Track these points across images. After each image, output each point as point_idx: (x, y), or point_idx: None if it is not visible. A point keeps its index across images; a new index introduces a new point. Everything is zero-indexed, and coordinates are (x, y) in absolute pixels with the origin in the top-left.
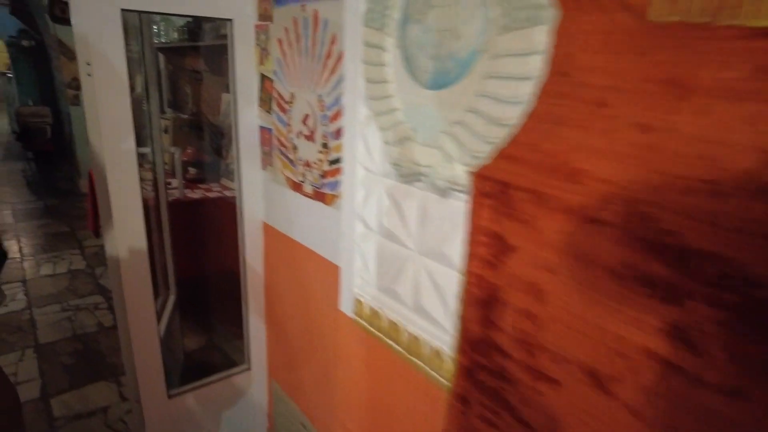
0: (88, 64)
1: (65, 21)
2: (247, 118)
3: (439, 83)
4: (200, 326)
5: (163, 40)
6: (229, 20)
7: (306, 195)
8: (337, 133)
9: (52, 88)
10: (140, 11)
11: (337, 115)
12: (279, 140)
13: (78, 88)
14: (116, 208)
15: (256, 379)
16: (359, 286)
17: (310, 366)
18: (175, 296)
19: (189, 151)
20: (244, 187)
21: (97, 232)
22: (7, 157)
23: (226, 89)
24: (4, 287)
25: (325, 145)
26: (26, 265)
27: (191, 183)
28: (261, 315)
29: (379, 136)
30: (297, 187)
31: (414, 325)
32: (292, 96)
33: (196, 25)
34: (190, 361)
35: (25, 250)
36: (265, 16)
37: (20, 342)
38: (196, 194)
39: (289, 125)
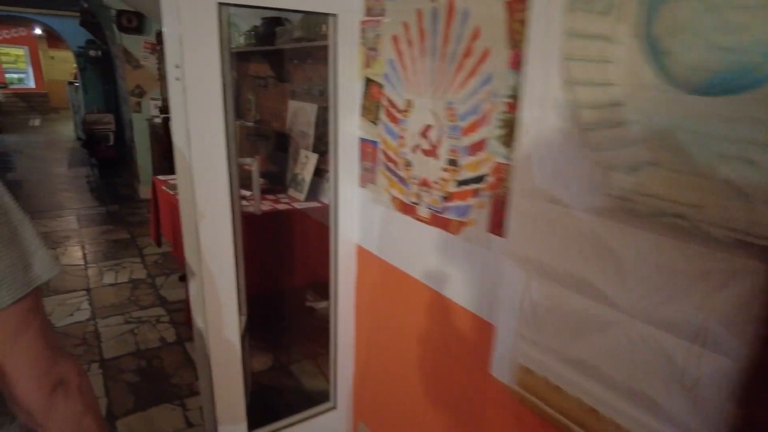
0: (177, 67)
1: (132, 30)
2: (347, 129)
3: (724, 86)
4: (266, 345)
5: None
6: (333, 15)
7: (420, 219)
8: (474, 148)
9: (116, 96)
10: (238, 4)
11: (473, 127)
12: (386, 155)
13: (141, 95)
14: (202, 218)
15: (341, 418)
16: (523, 349)
17: (421, 418)
18: (246, 317)
19: (258, 161)
20: (340, 206)
21: (159, 242)
22: (73, 163)
23: (293, 96)
24: (69, 295)
25: (452, 162)
26: (90, 272)
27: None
28: (350, 349)
29: (590, 157)
30: (407, 209)
31: (623, 414)
32: (409, 104)
33: (265, 30)
34: (255, 384)
35: (89, 257)
36: (374, 11)
37: (86, 355)
38: (264, 206)
39: (401, 138)
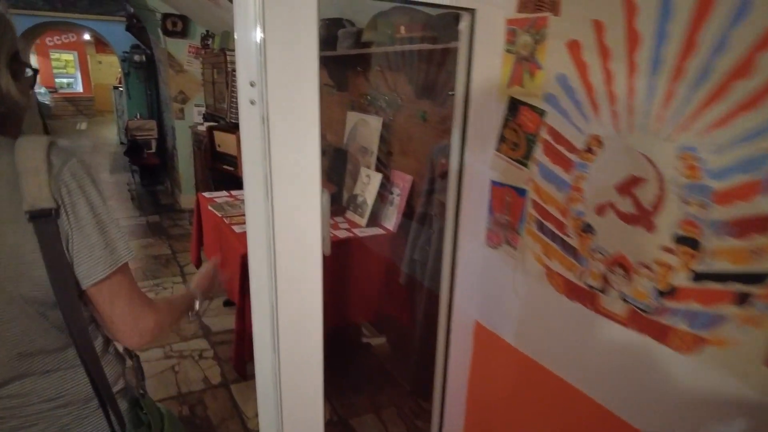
0: (253, 86)
1: (176, 34)
2: (475, 167)
3: None
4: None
5: None
6: (469, 11)
7: (605, 314)
8: (743, 228)
9: (158, 101)
10: None
11: (744, 192)
12: (542, 210)
13: (184, 101)
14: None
15: None
16: None
17: None
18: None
19: None
20: (459, 267)
21: (199, 265)
22: (114, 169)
23: (352, 107)
24: None
25: (687, 242)
26: None
27: None
28: None
29: None
30: (578, 293)
31: None
32: (594, 142)
33: (325, 32)
34: None
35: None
36: (532, 5)
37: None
38: None
39: (576, 190)
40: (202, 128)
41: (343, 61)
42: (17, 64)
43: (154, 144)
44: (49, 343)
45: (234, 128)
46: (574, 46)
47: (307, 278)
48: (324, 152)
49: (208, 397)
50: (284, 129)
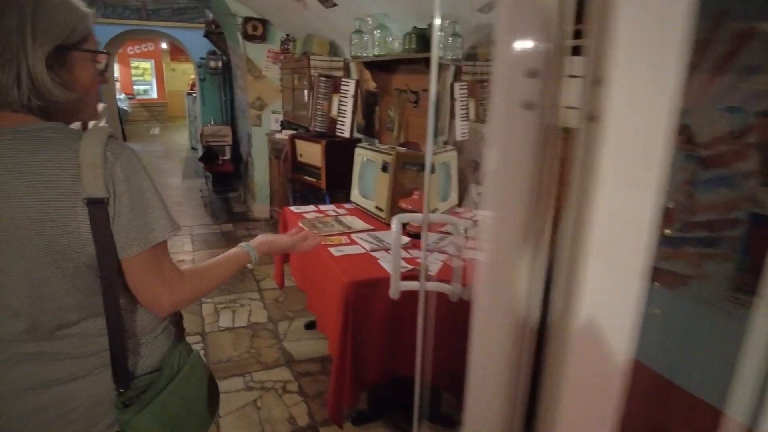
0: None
1: (256, 38)
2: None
3: None
4: None
5: (376, 53)
6: None
7: None
8: None
9: (233, 107)
10: None
11: None
12: None
13: (261, 108)
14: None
15: None
16: None
17: None
18: None
19: (418, 196)
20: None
21: (282, 284)
22: (187, 174)
23: (453, 115)
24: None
25: None
26: (204, 310)
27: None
28: None
29: None
30: None
31: None
32: None
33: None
34: None
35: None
36: None
37: None
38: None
39: None
40: (281, 136)
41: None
42: (60, 57)
43: (228, 151)
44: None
45: (319, 138)
46: None
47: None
48: (420, 165)
49: None
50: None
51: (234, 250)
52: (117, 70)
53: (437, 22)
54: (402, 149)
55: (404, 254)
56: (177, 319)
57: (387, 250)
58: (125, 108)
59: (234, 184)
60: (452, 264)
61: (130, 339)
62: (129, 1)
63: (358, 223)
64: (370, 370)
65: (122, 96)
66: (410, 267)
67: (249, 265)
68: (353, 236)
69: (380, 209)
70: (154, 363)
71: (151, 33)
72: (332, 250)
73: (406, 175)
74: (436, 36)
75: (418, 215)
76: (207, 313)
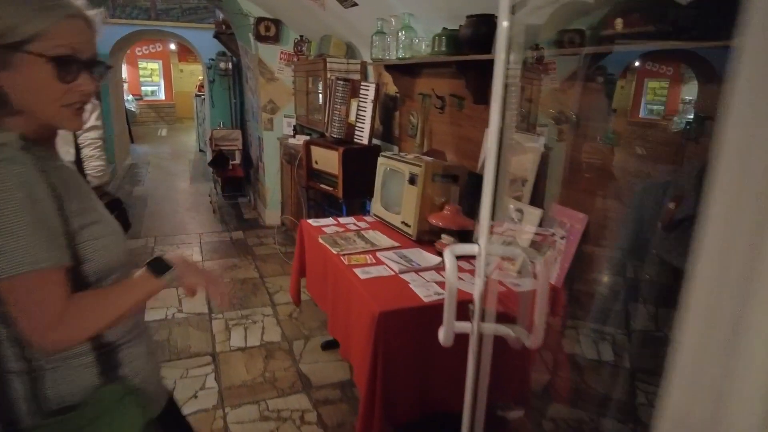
0: None
1: (269, 39)
2: None
3: None
4: None
5: (400, 55)
6: None
7: None
8: None
9: (242, 110)
10: None
11: None
12: None
13: (273, 111)
14: None
15: None
16: None
17: None
18: None
19: (449, 211)
20: None
21: (298, 301)
22: (195, 178)
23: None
24: (193, 361)
25: None
26: (215, 327)
27: None
28: None
29: None
30: None
31: None
32: None
33: (471, 32)
34: None
35: (214, 302)
36: None
37: None
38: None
39: None
40: (294, 141)
41: (485, 67)
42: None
43: (238, 155)
44: None
45: (336, 144)
46: None
47: None
48: (452, 177)
49: None
50: None
51: (141, 273)
52: (125, 71)
53: (505, 16)
54: (429, 159)
55: (435, 276)
56: (106, 353)
57: (417, 271)
58: (132, 109)
59: (244, 188)
60: (517, 300)
61: (17, 372)
62: (138, 1)
63: (382, 239)
64: (403, 407)
65: (130, 97)
66: (443, 292)
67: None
68: (379, 255)
69: (407, 224)
70: (63, 399)
71: (160, 33)
72: (358, 272)
73: (436, 187)
74: (504, 31)
75: (475, 247)
76: (217, 330)
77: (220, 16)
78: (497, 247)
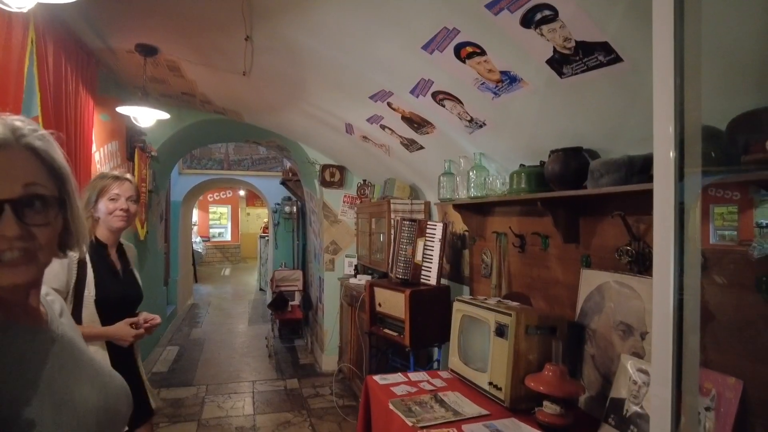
0: None
1: (333, 185)
2: None
3: None
4: None
5: (473, 194)
6: None
7: None
8: None
9: (305, 251)
10: None
11: None
12: None
13: (335, 252)
14: None
15: None
16: None
17: None
18: None
19: (551, 373)
20: None
21: None
22: (254, 319)
23: (587, 265)
24: None
25: None
26: None
27: None
28: None
29: None
30: None
31: None
32: None
33: (561, 166)
34: None
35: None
36: None
37: None
38: None
39: None
40: (355, 281)
41: (584, 202)
42: None
43: (298, 296)
44: None
45: (402, 286)
46: None
47: None
48: (549, 329)
49: None
50: None
51: None
52: (196, 215)
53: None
54: (516, 305)
55: None
56: None
57: None
58: (200, 250)
59: (302, 330)
60: None
61: None
62: (214, 154)
63: (466, 404)
64: None
65: (198, 239)
66: None
67: None
68: (465, 428)
69: (496, 387)
70: None
71: (231, 181)
72: None
73: (531, 341)
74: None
75: None
76: None
77: (287, 164)
78: None
